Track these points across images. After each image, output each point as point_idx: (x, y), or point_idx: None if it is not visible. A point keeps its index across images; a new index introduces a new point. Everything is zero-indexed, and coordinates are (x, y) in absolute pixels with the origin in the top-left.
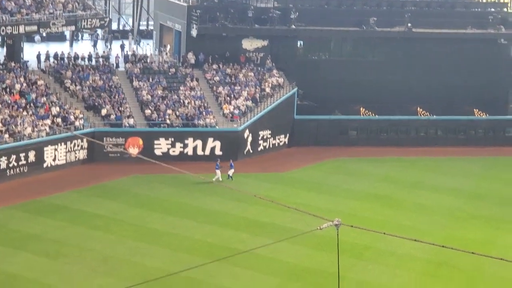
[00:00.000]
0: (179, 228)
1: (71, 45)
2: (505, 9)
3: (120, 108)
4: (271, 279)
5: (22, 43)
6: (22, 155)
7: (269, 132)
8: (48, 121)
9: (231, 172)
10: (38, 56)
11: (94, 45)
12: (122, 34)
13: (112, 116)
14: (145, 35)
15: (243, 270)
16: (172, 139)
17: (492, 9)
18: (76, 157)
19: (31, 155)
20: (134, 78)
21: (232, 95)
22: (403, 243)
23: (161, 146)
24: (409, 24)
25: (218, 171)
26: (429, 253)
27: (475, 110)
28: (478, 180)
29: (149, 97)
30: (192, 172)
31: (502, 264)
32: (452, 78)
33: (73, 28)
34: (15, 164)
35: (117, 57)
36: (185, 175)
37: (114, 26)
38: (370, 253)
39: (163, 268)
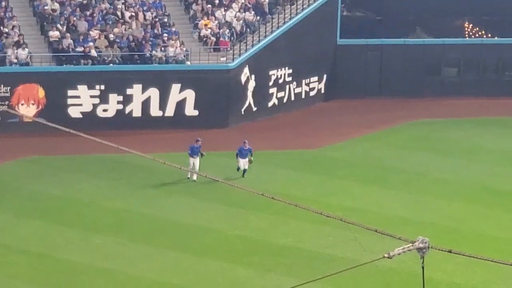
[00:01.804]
0: (115, 260)
1: None
2: None
3: (1, 29)
4: None
5: None
6: None
7: (289, 72)
8: None
9: (243, 163)
10: None
11: None
12: None
13: None
14: None
15: None
16: (102, 88)
17: None
18: None
19: None
20: None
21: (217, 2)
22: None
23: (81, 100)
24: None
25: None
26: None
27: None
28: None
29: (57, 6)
30: (142, 151)
31: None
32: None
33: None
34: None
35: None
36: (128, 155)
37: None
38: None
39: None
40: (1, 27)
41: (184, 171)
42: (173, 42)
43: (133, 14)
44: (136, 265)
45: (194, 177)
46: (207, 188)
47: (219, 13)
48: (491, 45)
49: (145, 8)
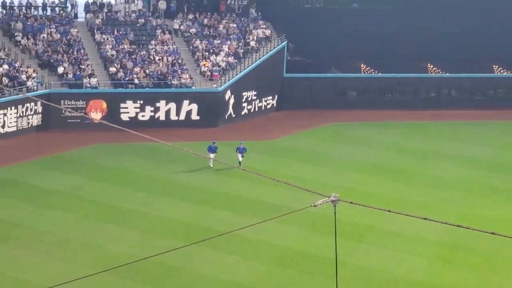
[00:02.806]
0: (150, 206)
1: None
2: None
3: (80, 66)
4: (258, 265)
5: None
6: None
7: (254, 93)
8: None
9: (239, 157)
10: None
11: None
12: None
13: (71, 75)
14: None
15: (225, 254)
16: (141, 102)
17: None
18: (29, 123)
19: None
20: (96, 31)
21: (211, 50)
22: (412, 222)
23: (128, 110)
24: None
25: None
26: (442, 235)
27: (494, 67)
28: (500, 149)
29: (114, 52)
30: (166, 141)
31: None
32: (468, 28)
33: None
34: None
35: (75, 5)
36: (157, 144)
37: None
38: (373, 235)
39: (131, 253)
40: (80, 65)
41: (206, 158)
42: (184, 75)
43: (160, 57)
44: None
45: (211, 164)
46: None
47: (212, 57)
48: (377, 78)
49: (168, 54)
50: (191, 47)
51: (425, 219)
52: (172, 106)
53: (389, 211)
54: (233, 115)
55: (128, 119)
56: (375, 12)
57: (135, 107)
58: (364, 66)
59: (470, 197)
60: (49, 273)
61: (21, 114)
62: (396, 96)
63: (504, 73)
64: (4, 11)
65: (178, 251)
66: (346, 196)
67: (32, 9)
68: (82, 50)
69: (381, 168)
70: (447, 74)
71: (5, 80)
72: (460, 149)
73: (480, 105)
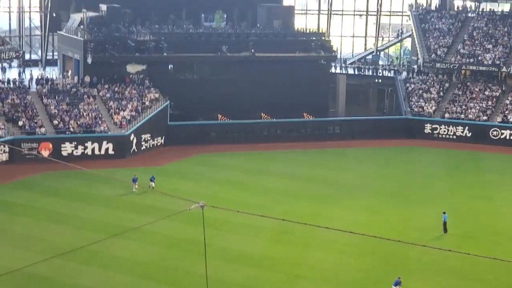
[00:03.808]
0: (82, 211)
1: None
2: (323, 38)
3: (34, 120)
4: (154, 248)
5: None
6: None
7: (149, 135)
8: None
9: (152, 184)
10: None
11: (3, 72)
12: (33, 63)
13: (27, 126)
14: (51, 63)
15: (132, 242)
16: (75, 143)
17: (314, 38)
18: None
19: None
20: (43, 97)
21: (120, 108)
22: (253, 217)
23: (67, 148)
24: (252, 50)
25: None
26: (273, 224)
27: (304, 114)
28: (309, 167)
29: (56, 111)
30: (90, 168)
31: (328, 231)
32: (286, 90)
33: None
34: None
35: (30, 80)
36: (85, 171)
37: (26, 57)
38: (228, 226)
39: (71, 243)
40: (34, 119)
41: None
42: (103, 124)
43: (87, 113)
44: None
45: (134, 190)
46: (113, 180)
47: (121, 112)
48: (229, 123)
49: (92, 111)
50: (107, 106)
51: (261, 216)
52: (96, 145)
53: (238, 211)
54: (136, 150)
55: (67, 155)
56: (227, 81)
57: (71, 147)
58: (221, 116)
59: (290, 199)
60: (14, 258)
61: None
62: (241, 135)
63: (310, 118)
64: None
65: (101, 241)
66: (210, 201)
67: (0, 83)
68: (34, 110)
69: (231, 182)
70: (274, 119)
71: None
72: (283, 168)
73: (296, 139)
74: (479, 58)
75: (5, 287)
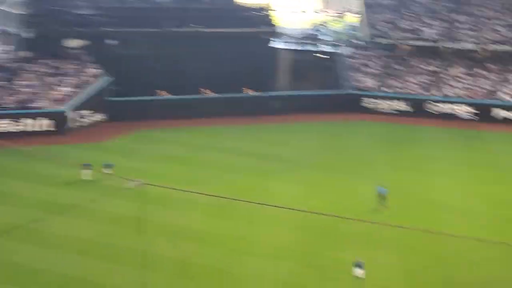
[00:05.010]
0: (21, 189)
1: None
2: (266, 12)
3: None
4: (94, 225)
5: None
6: None
7: (89, 111)
8: None
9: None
10: None
11: None
12: None
13: None
14: None
15: (72, 219)
16: (12, 120)
17: (257, 12)
18: None
19: None
20: None
21: (59, 83)
22: (193, 194)
23: (4, 125)
24: (194, 25)
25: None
26: (212, 200)
27: (244, 89)
28: (250, 142)
29: None
30: (29, 145)
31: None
32: (229, 65)
33: None
34: None
35: None
36: (24, 147)
37: None
38: (170, 201)
39: (9, 222)
40: None
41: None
42: (42, 100)
43: (25, 89)
44: None
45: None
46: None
47: (60, 88)
48: (171, 99)
49: (30, 86)
50: (45, 81)
51: (198, 193)
52: (33, 121)
53: (174, 188)
54: (76, 126)
55: (4, 132)
56: (170, 56)
57: (7, 123)
58: (163, 91)
59: (228, 173)
60: None
61: None
62: (183, 110)
63: (251, 93)
64: None
65: (41, 221)
66: (151, 177)
67: None
68: None
69: (172, 157)
70: (217, 95)
71: None
72: (223, 143)
73: (238, 114)
74: (419, 33)
75: None
